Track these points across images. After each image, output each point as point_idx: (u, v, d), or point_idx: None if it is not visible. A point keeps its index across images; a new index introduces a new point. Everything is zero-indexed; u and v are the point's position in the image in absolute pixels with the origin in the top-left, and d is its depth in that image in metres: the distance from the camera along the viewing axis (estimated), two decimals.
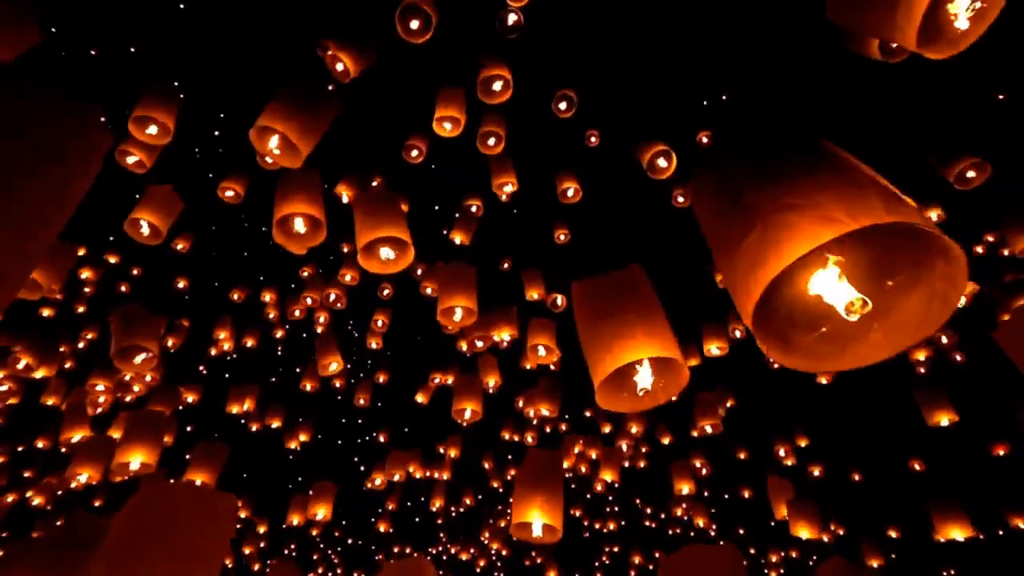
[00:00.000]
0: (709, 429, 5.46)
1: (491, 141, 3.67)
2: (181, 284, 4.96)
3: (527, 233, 5.08)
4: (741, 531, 9.92)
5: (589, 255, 4.98)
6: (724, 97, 4.31)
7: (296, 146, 2.63)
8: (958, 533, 4.21)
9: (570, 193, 4.05)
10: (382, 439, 7.75)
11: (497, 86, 3.37)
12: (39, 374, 4.85)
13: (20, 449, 6.27)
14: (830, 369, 0.86)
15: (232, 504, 1.73)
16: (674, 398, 1.25)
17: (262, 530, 7.75)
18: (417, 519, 9.75)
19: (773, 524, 6.22)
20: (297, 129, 2.56)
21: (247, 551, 8.13)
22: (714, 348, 5.00)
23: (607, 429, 6.90)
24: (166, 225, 3.50)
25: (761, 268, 0.71)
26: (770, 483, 5.93)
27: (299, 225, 2.74)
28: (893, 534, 7.68)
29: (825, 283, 0.78)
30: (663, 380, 1.24)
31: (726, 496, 8.76)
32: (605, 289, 1.28)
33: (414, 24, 3.15)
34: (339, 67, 3.47)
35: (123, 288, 4.79)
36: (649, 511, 9.63)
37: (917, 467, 6.85)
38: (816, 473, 7.04)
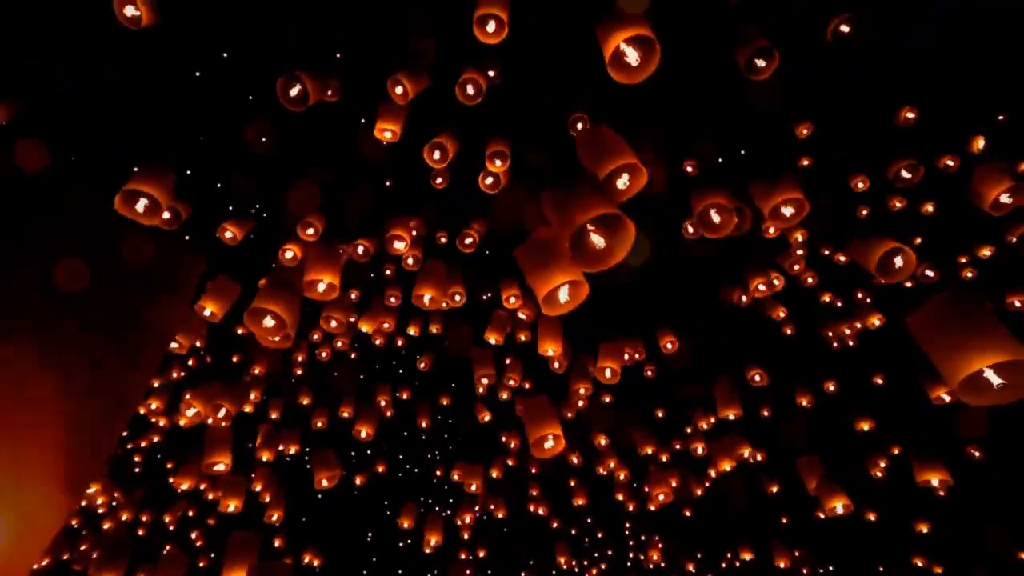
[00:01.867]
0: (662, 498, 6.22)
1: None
2: None
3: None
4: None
5: None
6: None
7: (286, 323, 2.96)
8: (934, 478, 4.48)
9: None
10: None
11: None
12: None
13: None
14: (603, 268, 1.80)
15: None
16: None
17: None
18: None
19: None
20: (286, 309, 2.88)
21: None
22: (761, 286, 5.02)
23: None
24: (223, 309, 4.11)
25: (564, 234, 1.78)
26: (799, 463, 6.16)
27: (267, 320, 3.01)
28: None
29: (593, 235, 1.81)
30: (576, 293, 2.10)
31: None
32: (530, 246, 2.12)
33: (293, 91, 3.55)
34: (387, 135, 4.07)
35: None
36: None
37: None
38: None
